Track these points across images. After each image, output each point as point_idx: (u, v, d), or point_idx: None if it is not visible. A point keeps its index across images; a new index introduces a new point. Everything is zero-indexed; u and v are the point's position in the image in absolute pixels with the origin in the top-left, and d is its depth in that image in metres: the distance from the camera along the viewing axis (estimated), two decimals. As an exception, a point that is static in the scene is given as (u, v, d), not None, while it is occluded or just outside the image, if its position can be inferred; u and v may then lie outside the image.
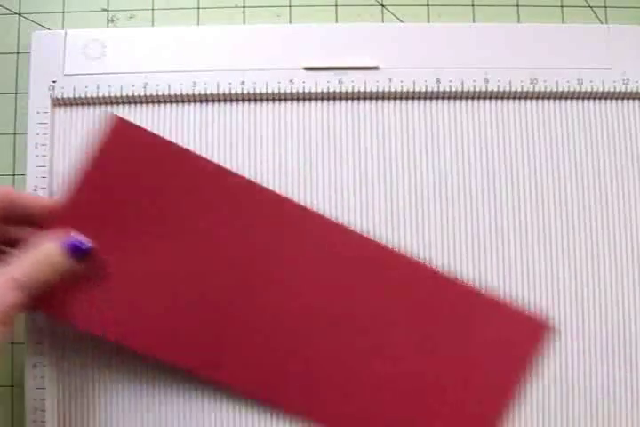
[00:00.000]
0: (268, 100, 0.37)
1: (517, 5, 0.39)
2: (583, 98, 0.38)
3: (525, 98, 0.38)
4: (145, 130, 0.34)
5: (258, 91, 0.37)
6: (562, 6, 0.39)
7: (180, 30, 0.38)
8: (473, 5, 0.39)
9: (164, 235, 0.34)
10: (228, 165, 0.35)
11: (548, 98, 0.38)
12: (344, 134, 0.37)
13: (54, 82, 0.37)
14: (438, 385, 0.34)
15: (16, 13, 0.39)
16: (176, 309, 0.34)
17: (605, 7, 0.39)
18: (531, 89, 0.37)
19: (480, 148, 0.37)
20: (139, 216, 0.33)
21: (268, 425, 0.35)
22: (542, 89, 0.37)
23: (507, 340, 0.34)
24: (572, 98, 0.38)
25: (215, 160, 0.36)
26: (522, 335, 0.34)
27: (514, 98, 0.38)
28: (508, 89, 0.37)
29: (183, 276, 0.34)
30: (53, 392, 0.36)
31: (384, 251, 0.35)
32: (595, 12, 0.39)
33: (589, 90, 0.37)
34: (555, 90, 0.37)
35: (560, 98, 0.38)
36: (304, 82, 0.37)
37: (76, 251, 0.32)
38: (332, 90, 0.37)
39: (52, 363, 0.36)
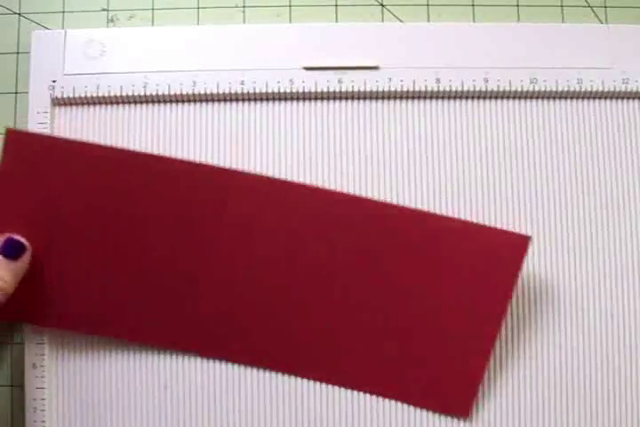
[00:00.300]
0: (268, 99, 0.37)
1: (517, 5, 0.39)
2: (583, 98, 0.38)
3: (525, 98, 0.38)
4: (39, 135, 0.35)
5: (258, 91, 0.37)
6: (562, 6, 0.39)
7: (179, 30, 0.38)
8: (473, 5, 0.39)
9: (94, 226, 0.34)
10: (228, 165, 0.35)
11: (548, 98, 0.38)
12: (344, 134, 0.37)
13: (54, 82, 0.37)
14: (434, 316, 0.35)
15: (16, 13, 0.39)
16: (136, 290, 0.35)
17: (605, 7, 0.39)
18: (531, 89, 0.37)
19: (480, 147, 0.37)
20: (64, 212, 0.34)
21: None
22: (542, 89, 0.37)
23: (491, 257, 0.34)
24: (572, 98, 0.38)
25: (215, 160, 0.36)
26: (505, 251, 0.34)
27: (514, 98, 0.38)
28: (508, 89, 0.37)
29: (131, 258, 0.35)
30: (53, 392, 0.36)
31: (350, 200, 0.35)
32: (595, 12, 0.39)
33: (589, 90, 0.37)
34: (555, 90, 0.37)
35: (560, 98, 0.38)
36: (304, 82, 0.37)
37: (11, 249, 0.32)
38: (331, 90, 0.37)
39: (51, 363, 0.36)
